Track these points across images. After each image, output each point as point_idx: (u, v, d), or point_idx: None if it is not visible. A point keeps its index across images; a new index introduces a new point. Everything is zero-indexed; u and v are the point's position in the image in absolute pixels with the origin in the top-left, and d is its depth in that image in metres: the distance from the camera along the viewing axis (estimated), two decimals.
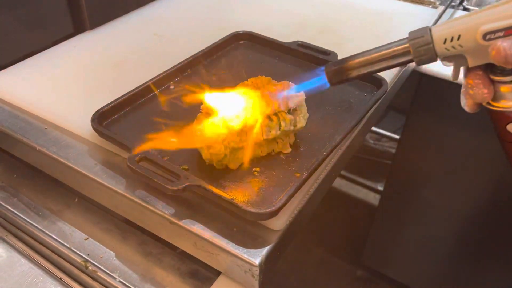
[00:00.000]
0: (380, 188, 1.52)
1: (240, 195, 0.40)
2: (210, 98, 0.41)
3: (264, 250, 0.37)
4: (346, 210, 1.55)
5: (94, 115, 0.46)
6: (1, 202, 0.49)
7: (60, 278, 0.44)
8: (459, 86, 0.74)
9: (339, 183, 1.59)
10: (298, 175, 0.41)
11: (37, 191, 0.51)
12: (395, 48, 0.37)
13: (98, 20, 0.65)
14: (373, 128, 1.62)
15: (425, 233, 1.06)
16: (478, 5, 0.93)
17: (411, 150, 1.06)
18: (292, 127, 0.43)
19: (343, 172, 1.60)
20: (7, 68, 0.56)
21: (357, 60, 0.37)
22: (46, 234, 0.46)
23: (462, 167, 0.92)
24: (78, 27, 0.64)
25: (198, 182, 0.38)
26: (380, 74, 0.53)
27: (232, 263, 0.38)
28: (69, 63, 0.58)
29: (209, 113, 0.40)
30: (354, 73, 0.38)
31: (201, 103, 0.42)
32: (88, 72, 0.57)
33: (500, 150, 0.56)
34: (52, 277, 0.44)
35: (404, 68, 0.61)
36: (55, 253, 0.46)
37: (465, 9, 0.91)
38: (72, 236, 0.46)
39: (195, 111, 0.44)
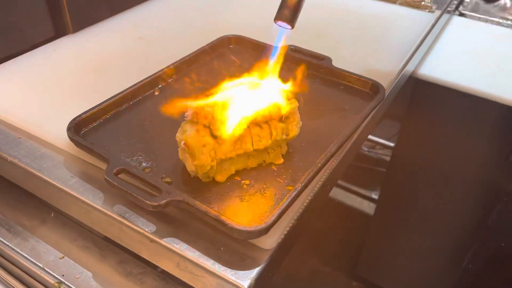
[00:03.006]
0: (375, 196, 1.50)
1: (227, 210, 0.36)
2: (197, 104, 0.37)
3: (254, 272, 0.34)
4: (340, 219, 1.51)
5: (70, 123, 0.42)
6: None
7: None
8: (454, 91, 0.72)
9: (332, 192, 1.56)
10: (291, 188, 0.38)
11: (10, 205, 0.47)
12: None
13: (81, 23, 0.62)
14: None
15: (421, 242, 1.03)
16: (474, 10, 0.92)
17: (406, 157, 1.04)
18: (284, 136, 0.40)
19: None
20: None
21: None
22: (18, 252, 0.43)
23: (458, 174, 0.90)
24: (60, 30, 0.60)
25: (181, 197, 0.35)
26: (377, 80, 0.51)
27: (219, 286, 0.34)
28: (47, 68, 0.55)
29: (194, 121, 0.37)
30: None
31: (185, 111, 0.38)
32: (67, 78, 0.53)
33: (495, 156, 0.53)
34: None
35: (401, 74, 0.58)
36: (27, 274, 0.42)
37: (461, 14, 0.89)
38: (46, 254, 0.42)
39: (181, 119, 0.41)
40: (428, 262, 1.02)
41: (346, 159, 0.45)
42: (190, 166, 0.37)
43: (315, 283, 1.30)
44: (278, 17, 0.43)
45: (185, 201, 0.35)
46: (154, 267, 0.41)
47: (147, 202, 0.35)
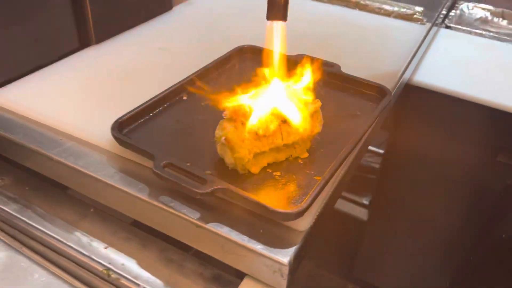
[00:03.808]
0: (366, 202, 1.56)
1: (264, 198, 0.41)
2: (234, 103, 0.42)
3: (292, 250, 0.39)
4: (334, 224, 1.57)
5: (113, 124, 0.46)
6: (16, 214, 0.49)
7: None
8: (442, 96, 0.78)
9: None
10: (318, 178, 0.43)
11: (51, 202, 0.51)
12: None
13: (103, 35, 0.66)
14: None
15: (414, 242, 1.09)
16: (458, 23, 0.99)
17: (396, 162, 1.10)
18: (309, 132, 0.45)
19: None
20: (16, 81, 0.57)
21: None
22: (65, 244, 0.46)
23: (448, 175, 0.96)
24: (84, 42, 0.65)
25: (225, 185, 0.39)
26: (382, 83, 0.56)
27: (261, 263, 0.39)
28: (78, 76, 0.59)
29: (232, 118, 0.42)
30: None
31: (223, 110, 0.43)
32: (96, 85, 0.58)
33: (484, 156, 0.59)
34: (70, 283, 0.44)
35: (401, 79, 0.64)
36: (75, 263, 0.45)
37: (447, 26, 0.97)
38: (91, 245, 0.46)
39: (210, 120, 0.45)
40: (421, 260, 1.07)
41: (361, 153, 0.50)
42: (230, 159, 0.42)
43: (311, 285, 1.35)
44: (271, 17, 0.46)
45: (229, 189, 0.39)
46: (193, 254, 0.46)
47: (196, 190, 0.39)
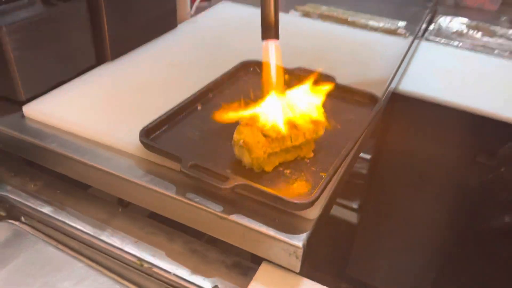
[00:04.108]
0: (355, 206, 1.63)
1: (278, 191, 0.47)
2: (250, 111, 0.49)
3: (304, 235, 0.45)
4: (326, 228, 1.63)
5: (141, 132, 0.52)
6: (51, 214, 0.54)
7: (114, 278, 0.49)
8: (425, 102, 0.85)
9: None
10: (324, 174, 0.49)
11: (81, 203, 0.56)
12: None
13: (117, 52, 0.72)
14: None
15: (403, 240, 1.16)
16: (437, 36, 1.08)
17: (383, 166, 1.17)
18: (314, 135, 0.51)
19: None
20: (43, 96, 0.62)
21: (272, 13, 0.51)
22: (98, 239, 0.52)
23: (432, 177, 1.03)
24: (100, 59, 0.70)
25: (245, 181, 0.46)
26: (373, 91, 0.63)
27: (278, 248, 0.45)
28: (99, 89, 0.65)
29: (248, 124, 0.48)
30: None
31: (240, 118, 0.49)
32: (117, 96, 0.63)
33: (464, 158, 0.66)
34: (108, 277, 0.49)
35: (389, 88, 0.72)
36: (109, 255, 0.51)
37: (427, 39, 1.05)
38: (123, 239, 0.52)
39: (222, 127, 0.52)
40: (409, 256, 1.14)
41: (357, 153, 0.57)
42: (248, 159, 0.48)
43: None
44: (266, 37, 0.52)
45: (249, 184, 0.46)
46: (215, 245, 0.52)
47: (220, 186, 0.45)
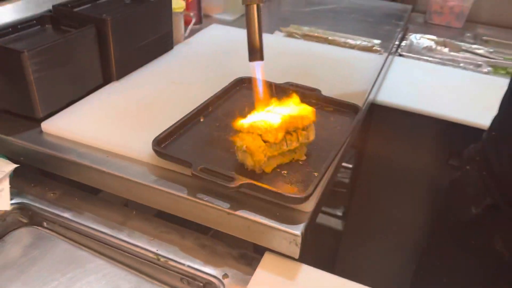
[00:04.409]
0: (339, 213, 1.71)
1: (278, 189, 0.54)
2: (250, 120, 0.56)
3: (302, 225, 0.52)
4: (312, 235, 1.70)
5: (153, 141, 0.59)
6: (72, 218, 0.60)
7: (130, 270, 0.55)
8: (402, 111, 0.94)
9: None
10: (316, 173, 0.57)
11: (98, 209, 0.62)
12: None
13: (122, 73, 0.79)
14: None
15: (386, 240, 1.23)
16: (409, 52, 1.18)
17: (365, 175, 1.25)
18: (306, 140, 0.59)
19: None
20: (59, 113, 0.68)
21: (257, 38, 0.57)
22: (119, 238, 0.57)
23: (409, 180, 1.12)
24: (106, 79, 0.77)
25: (250, 181, 0.53)
26: (354, 102, 0.72)
27: (280, 237, 0.52)
28: (109, 106, 0.71)
29: (249, 131, 0.56)
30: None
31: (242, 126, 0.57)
32: (125, 112, 0.70)
33: (437, 161, 0.74)
34: (126, 268, 0.55)
35: (368, 99, 0.80)
36: (129, 253, 0.57)
37: (400, 55, 1.15)
38: (140, 238, 0.58)
39: (223, 135, 0.59)
40: (393, 252, 1.22)
41: (344, 155, 0.65)
42: (250, 162, 0.55)
43: None
44: (253, 59, 0.59)
45: (254, 183, 0.53)
46: (221, 240, 0.58)
47: (228, 185, 0.52)
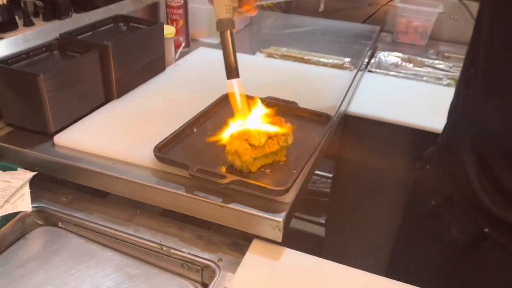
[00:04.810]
0: (322, 221, 1.81)
1: (264, 184, 0.64)
2: (238, 128, 0.66)
3: (284, 213, 0.62)
4: (295, 242, 1.80)
5: (154, 148, 0.68)
6: (84, 218, 0.69)
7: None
8: (373, 121, 1.05)
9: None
10: (294, 171, 0.67)
11: (107, 209, 0.71)
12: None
13: (121, 92, 0.88)
14: None
15: (365, 243, 1.33)
16: (377, 68, 1.31)
17: (343, 185, 1.36)
18: (285, 144, 0.69)
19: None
20: (68, 127, 0.77)
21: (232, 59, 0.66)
22: (126, 233, 0.66)
23: (385, 185, 1.23)
24: (108, 97, 0.87)
25: (239, 178, 0.63)
26: (327, 112, 0.82)
27: (265, 224, 0.62)
28: (112, 120, 0.81)
29: (237, 137, 0.66)
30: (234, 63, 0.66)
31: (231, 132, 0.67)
32: (127, 125, 0.80)
33: (407, 166, 0.84)
34: (134, 258, 0.64)
35: (339, 110, 0.91)
36: (135, 245, 0.66)
37: (369, 71, 1.27)
38: (145, 232, 0.67)
39: (214, 143, 0.69)
40: (371, 252, 1.31)
41: (318, 157, 0.75)
42: (238, 163, 0.65)
43: None
44: (230, 77, 0.67)
45: (242, 180, 0.62)
46: (216, 232, 0.67)
47: (221, 182, 0.62)
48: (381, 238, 1.28)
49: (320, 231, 1.79)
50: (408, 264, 0.89)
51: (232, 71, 0.67)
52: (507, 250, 0.65)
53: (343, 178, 1.36)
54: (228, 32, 0.66)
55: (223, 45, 0.67)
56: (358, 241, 1.35)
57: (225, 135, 0.67)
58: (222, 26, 0.65)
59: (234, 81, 0.67)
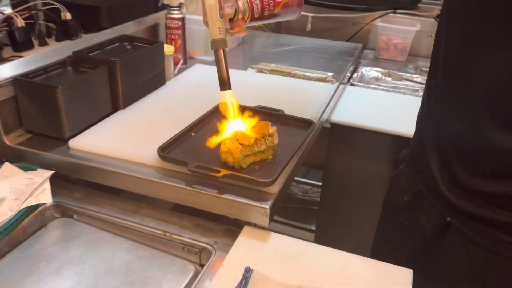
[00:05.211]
0: (313, 228, 1.91)
1: (253, 177, 0.74)
2: (231, 130, 0.77)
3: (270, 202, 0.72)
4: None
5: (158, 149, 0.79)
6: (97, 210, 0.78)
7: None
8: (356, 129, 1.16)
9: (280, 228, 1.95)
10: (279, 167, 0.78)
11: (116, 203, 0.81)
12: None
13: (127, 103, 0.99)
14: (302, 179, 2.05)
15: (352, 245, 1.42)
16: (359, 81, 1.42)
17: (332, 192, 1.45)
18: (271, 144, 0.80)
19: (282, 219, 1.97)
20: (81, 134, 0.88)
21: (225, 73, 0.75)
22: (134, 222, 0.76)
23: (369, 188, 1.33)
24: (115, 108, 0.97)
25: (232, 172, 0.73)
26: (309, 117, 0.93)
27: (254, 211, 0.72)
28: (120, 127, 0.91)
29: (230, 138, 0.76)
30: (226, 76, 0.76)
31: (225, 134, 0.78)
32: (133, 131, 0.90)
33: (388, 170, 0.94)
34: (141, 243, 0.74)
35: (321, 117, 1.02)
36: (140, 232, 0.75)
37: (351, 84, 1.39)
38: (150, 221, 0.77)
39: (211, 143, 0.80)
40: (356, 251, 1.40)
41: (303, 154, 0.86)
42: (231, 160, 0.75)
43: None
44: (223, 89, 0.76)
45: (235, 174, 0.73)
46: (211, 220, 0.77)
47: (216, 175, 0.72)
48: (365, 238, 1.38)
49: (310, 237, 1.88)
50: (386, 256, 0.99)
51: (224, 84, 0.76)
52: (466, 236, 0.74)
53: (331, 184, 1.46)
54: (221, 50, 0.75)
55: (216, 62, 0.76)
56: (344, 241, 1.44)
57: (220, 137, 0.78)
58: (216, 45, 0.74)
59: (227, 92, 0.77)
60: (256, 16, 0.77)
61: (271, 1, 0.79)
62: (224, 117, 0.80)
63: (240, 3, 0.74)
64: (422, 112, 0.85)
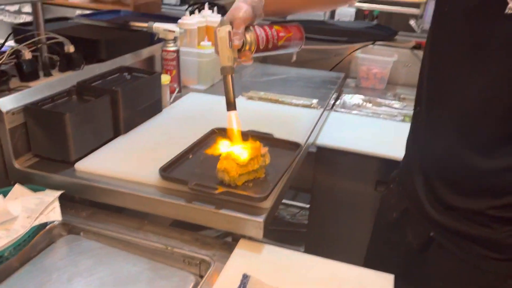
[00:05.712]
0: (302, 250, 1.96)
1: (247, 193, 0.82)
2: (226, 150, 0.84)
3: (264, 215, 0.79)
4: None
5: (160, 169, 0.86)
6: (102, 226, 0.84)
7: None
8: (343, 152, 1.24)
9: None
10: (271, 184, 0.85)
11: (120, 220, 0.87)
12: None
13: (127, 128, 1.06)
14: (290, 202, 2.11)
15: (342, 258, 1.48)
16: (342, 107, 1.52)
17: (319, 213, 1.52)
18: (264, 163, 0.88)
19: (271, 242, 2.02)
20: (85, 157, 0.94)
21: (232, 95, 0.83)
22: (137, 237, 0.82)
23: (356, 209, 1.40)
24: (116, 133, 1.04)
25: (228, 189, 0.80)
26: (296, 140, 1.02)
27: (249, 225, 0.79)
28: (121, 150, 0.98)
29: (226, 158, 0.84)
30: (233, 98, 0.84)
31: (219, 155, 0.85)
32: (134, 153, 0.97)
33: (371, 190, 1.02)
34: (144, 257, 0.80)
35: (308, 140, 1.11)
36: (145, 247, 0.81)
37: (335, 110, 1.49)
38: (152, 236, 0.83)
39: (206, 165, 0.87)
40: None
41: (293, 174, 0.94)
42: (227, 178, 0.83)
43: None
44: (229, 109, 0.84)
45: (231, 191, 0.80)
46: (209, 234, 0.84)
47: (214, 192, 0.79)
48: (353, 256, 1.44)
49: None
50: (377, 269, 1.05)
51: (231, 105, 0.84)
52: (447, 250, 0.80)
53: (318, 205, 1.53)
54: (229, 76, 0.83)
55: (225, 86, 0.83)
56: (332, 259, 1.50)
57: (222, 151, 0.85)
58: (225, 71, 0.83)
59: (232, 112, 0.85)
60: (261, 47, 0.86)
61: (275, 35, 0.89)
62: (228, 136, 0.87)
63: (247, 36, 0.83)
64: (410, 136, 0.92)
